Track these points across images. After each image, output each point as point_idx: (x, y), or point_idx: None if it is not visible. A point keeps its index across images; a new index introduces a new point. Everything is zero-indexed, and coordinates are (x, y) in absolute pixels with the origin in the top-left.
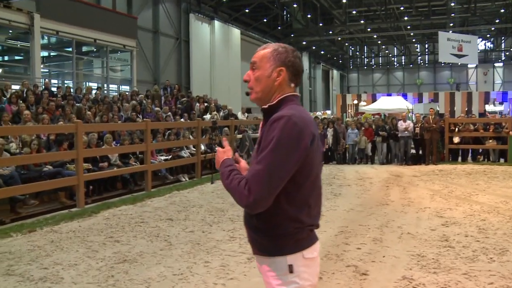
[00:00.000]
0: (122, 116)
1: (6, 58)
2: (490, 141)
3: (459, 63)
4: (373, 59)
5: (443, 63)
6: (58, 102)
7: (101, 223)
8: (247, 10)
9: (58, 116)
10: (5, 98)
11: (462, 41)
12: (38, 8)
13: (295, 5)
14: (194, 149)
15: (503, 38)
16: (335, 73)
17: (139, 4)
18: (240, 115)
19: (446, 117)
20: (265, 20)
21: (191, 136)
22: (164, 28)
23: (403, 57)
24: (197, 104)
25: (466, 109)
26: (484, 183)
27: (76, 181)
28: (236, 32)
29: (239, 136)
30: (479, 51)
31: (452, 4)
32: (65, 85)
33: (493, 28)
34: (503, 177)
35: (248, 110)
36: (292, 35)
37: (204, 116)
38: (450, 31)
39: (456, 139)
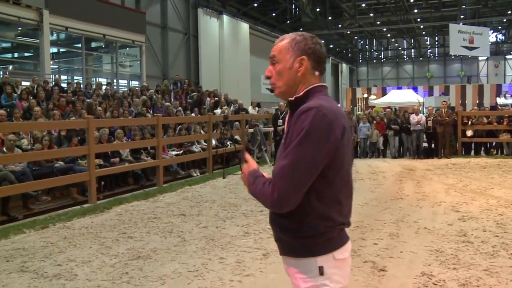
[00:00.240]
0: (133, 111)
1: (16, 55)
2: (504, 134)
3: (470, 56)
4: (382, 52)
5: (453, 55)
6: (68, 98)
7: (114, 219)
8: (255, 4)
9: (69, 112)
10: (16, 95)
11: (474, 33)
12: (47, 4)
13: None
14: (206, 144)
15: None
16: (344, 67)
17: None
18: (250, 109)
19: (459, 110)
20: (273, 14)
21: (202, 131)
22: (172, 23)
23: (412, 50)
24: (208, 98)
25: (478, 102)
26: (499, 177)
27: (88, 177)
28: (244, 26)
29: (251, 130)
30: (490, 43)
31: None
32: (75, 81)
33: (504, 20)
34: None
35: (258, 105)
36: (301, 29)
37: (215, 111)
38: (461, 23)
39: (469, 132)
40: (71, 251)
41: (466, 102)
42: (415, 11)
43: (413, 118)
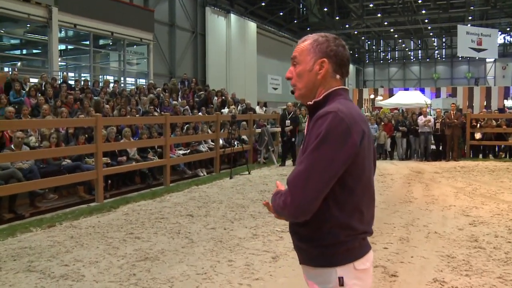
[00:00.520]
0: (140, 110)
1: (24, 51)
2: None
3: (477, 58)
4: (389, 53)
5: (461, 57)
6: (76, 95)
7: (121, 219)
8: (263, 4)
9: (76, 109)
10: (24, 91)
11: (482, 35)
12: (56, 1)
13: None
14: (213, 144)
15: None
16: (351, 67)
17: None
18: (258, 109)
19: (468, 113)
20: (281, 14)
21: (209, 130)
22: (180, 22)
23: (419, 51)
24: (215, 97)
25: (485, 104)
26: (509, 180)
27: (95, 175)
28: (252, 25)
29: (258, 130)
30: (498, 45)
31: None
32: (82, 78)
33: None
34: None
35: (265, 104)
36: (308, 29)
37: (222, 110)
38: (469, 25)
39: (477, 135)
40: (78, 251)
41: (473, 104)
42: (423, 12)
43: (421, 119)
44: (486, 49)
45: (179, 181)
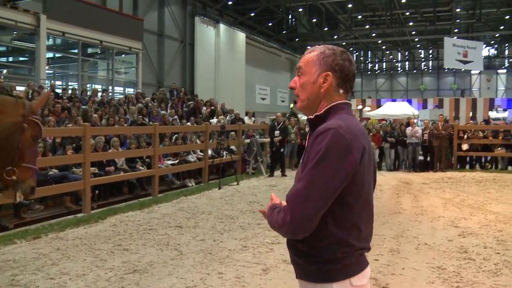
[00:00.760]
0: (128, 119)
1: (11, 59)
2: (499, 148)
3: (463, 69)
4: (377, 64)
5: (447, 69)
6: (64, 104)
7: (108, 230)
8: (252, 14)
9: (64, 118)
10: None
11: (468, 47)
12: (44, 9)
13: (300, 9)
14: (201, 154)
15: (506, 44)
16: None
17: (145, 7)
18: (246, 119)
19: (455, 124)
20: (270, 24)
21: (198, 140)
22: (169, 31)
23: (407, 62)
24: (204, 107)
25: (471, 115)
26: (496, 191)
27: (83, 186)
28: (241, 35)
29: (247, 141)
30: (483, 57)
31: (458, 10)
32: (70, 86)
33: (497, 35)
34: None
35: (253, 114)
36: (297, 39)
37: (211, 120)
38: (455, 37)
39: (465, 146)
40: (65, 264)
41: (460, 115)
42: (410, 24)
43: (409, 129)
44: (472, 61)
45: (168, 191)
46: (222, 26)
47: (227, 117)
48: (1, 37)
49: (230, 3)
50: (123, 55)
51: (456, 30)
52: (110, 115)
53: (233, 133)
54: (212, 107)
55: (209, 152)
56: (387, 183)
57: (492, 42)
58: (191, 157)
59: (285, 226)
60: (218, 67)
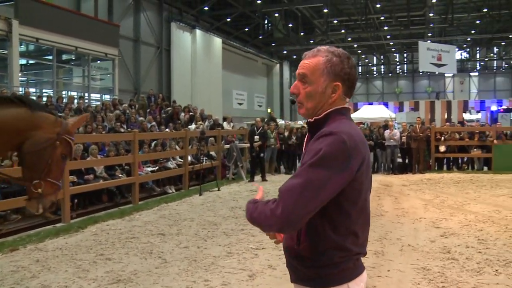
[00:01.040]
0: (106, 126)
1: None
2: (475, 149)
3: (437, 72)
4: None
5: (422, 72)
6: None
7: (89, 239)
8: (228, 19)
9: None
10: None
11: (441, 51)
12: (16, 14)
13: (276, 15)
14: (181, 160)
15: (478, 48)
16: None
17: (120, 12)
18: (225, 125)
19: (432, 126)
20: (246, 29)
21: (177, 147)
22: (145, 37)
23: (382, 66)
24: (182, 113)
25: (446, 117)
26: (473, 192)
27: (62, 195)
28: (217, 41)
29: (227, 146)
30: (456, 60)
31: (431, 15)
32: (45, 94)
33: (469, 39)
34: (490, 185)
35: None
36: (273, 44)
37: (189, 126)
38: (429, 41)
39: (442, 148)
40: (45, 276)
41: (435, 117)
42: (385, 28)
43: (387, 132)
44: (445, 65)
45: (148, 198)
46: (198, 32)
47: (206, 123)
48: None
49: (206, 8)
50: (98, 61)
51: (429, 34)
52: (88, 123)
53: (212, 138)
54: (191, 113)
55: (189, 158)
56: None
57: (464, 46)
58: (171, 164)
59: (273, 219)
60: (194, 72)
